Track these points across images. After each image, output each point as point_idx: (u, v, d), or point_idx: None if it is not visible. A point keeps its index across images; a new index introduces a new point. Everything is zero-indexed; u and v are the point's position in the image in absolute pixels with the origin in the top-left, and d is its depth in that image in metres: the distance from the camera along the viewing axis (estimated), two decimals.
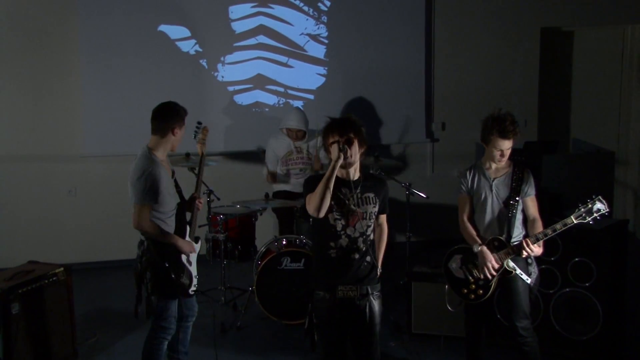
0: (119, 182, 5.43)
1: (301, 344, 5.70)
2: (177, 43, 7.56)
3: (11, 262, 5.79)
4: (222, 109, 7.73)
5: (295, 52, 7.80)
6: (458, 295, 4.75)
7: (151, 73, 7.51)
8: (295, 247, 6.05)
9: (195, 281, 4.71)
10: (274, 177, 6.75)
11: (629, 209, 8.46)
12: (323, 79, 7.91)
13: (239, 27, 7.66)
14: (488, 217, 4.61)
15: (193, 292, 4.72)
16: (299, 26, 7.78)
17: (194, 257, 4.72)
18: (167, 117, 4.47)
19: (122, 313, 6.17)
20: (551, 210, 5.26)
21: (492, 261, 4.51)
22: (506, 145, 4.48)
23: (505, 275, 4.55)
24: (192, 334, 5.70)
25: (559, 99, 8.64)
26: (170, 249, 4.51)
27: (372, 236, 4.06)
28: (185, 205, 4.71)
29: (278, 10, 7.71)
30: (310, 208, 3.89)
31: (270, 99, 7.81)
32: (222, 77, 7.69)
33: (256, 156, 7.58)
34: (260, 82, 7.77)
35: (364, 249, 4.00)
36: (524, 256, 4.49)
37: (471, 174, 4.69)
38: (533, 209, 4.59)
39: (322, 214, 3.88)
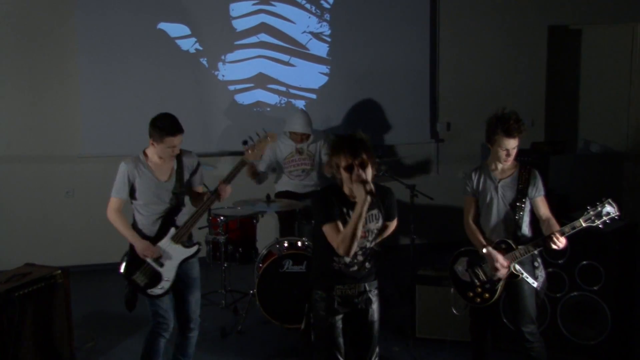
0: None
1: (303, 348, 5.70)
2: (177, 41, 7.57)
3: (8, 265, 5.77)
4: (223, 108, 7.73)
5: (298, 50, 7.80)
6: (464, 298, 4.74)
7: (151, 72, 7.51)
8: (297, 249, 6.04)
9: (163, 284, 4.68)
10: (256, 175, 6.67)
11: (639, 211, 8.44)
12: (326, 78, 7.90)
13: (240, 24, 7.66)
14: (494, 219, 4.60)
15: (157, 294, 4.69)
16: (301, 24, 7.78)
17: (171, 260, 4.71)
18: (150, 126, 4.59)
19: (120, 316, 6.15)
20: (559, 212, 5.25)
21: (500, 260, 4.50)
22: (512, 144, 4.47)
23: (512, 278, 4.54)
24: None
25: (566, 98, 8.63)
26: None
27: (372, 247, 4.08)
28: (178, 207, 4.74)
29: (280, 7, 7.71)
30: (340, 250, 3.89)
31: (271, 99, 7.81)
32: (223, 76, 7.70)
33: None
34: (261, 81, 7.77)
35: (363, 259, 4.03)
36: (559, 247, 4.41)
37: (477, 175, 4.68)
38: (544, 209, 4.57)
39: (352, 254, 3.91)
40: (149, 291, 4.69)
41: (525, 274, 4.50)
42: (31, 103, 7.48)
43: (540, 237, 4.47)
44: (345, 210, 3.93)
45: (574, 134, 8.63)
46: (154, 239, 4.67)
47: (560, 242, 4.37)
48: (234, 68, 7.70)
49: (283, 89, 7.82)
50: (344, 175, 3.85)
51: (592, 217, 4.30)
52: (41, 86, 7.47)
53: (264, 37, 7.71)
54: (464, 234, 4.76)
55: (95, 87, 7.43)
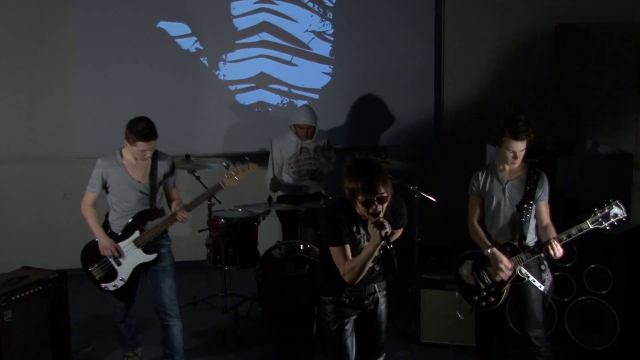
0: None
1: (305, 353, 5.71)
2: (176, 40, 7.57)
3: (4, 268, 5.78)
4: (224, 108, 7.73)
5: (300, 49, 7.81)
6: (469, 302, 4.75)
7: (150, 72, 7.52)
8: (299, 252, 6.05)
9: (117, 282, 5.03)
10: (277, 183, 6.70)
11: None
12: (328, 78, 7.90)
13: (241, 23, 7.66)
14: (500, 221, 4.60)
15: (109, 290, 5.06)
16: (304, 23, 7.78)
17: (128, 262, 4.98)
18: (126, 127, 4.87)
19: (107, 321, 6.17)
20: (566, 215, 5.25)
21: (505, 262, 4.50)
22: (519, 146, 4.46)
23: (518, 282, 4.53)
24: (192, 343, 5.72)
25: (574, 98, 8.60)
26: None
27: (381, 252, 4.07)
28: (148, 213, 4.98)
29: (282, 6, 7.71)
30: (346, 278, 3.92)
31: (273, 99, 7.81)
32: (224, 75, 7.70)
33: (259, 158, 7.57)
34: (263, 81, 7.77)
35: (372, 265, 4.02)
36: (556, 256, 4.42)
37: (483, 176, 4.68)
38: (545, 215, 4.58)
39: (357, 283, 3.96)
40: (103, 285, 5.03)
41: (531, 277, 4.50)
42: (29, 103, 7.48)
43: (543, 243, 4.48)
44: (355, 228, 3.95)
45: (581, 135, 8.59)
46: (119, 238, 4.96)
47: (558, 251, 4.37)
48: (235, 68, 7.70)
49: (285, 89, 7.82)
50: (361, 207, 3.83)
51: (600, 219, 4.31)
52: (39, 86, 7.47)
53: (266, 36, 7.71)
54: (469, 237, 4.76)
55: (94, 87, 7.43)
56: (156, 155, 4.99)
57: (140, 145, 4.79)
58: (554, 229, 4.51)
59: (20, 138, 7.52)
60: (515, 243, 4.54)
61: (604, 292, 5.16)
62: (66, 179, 7.60)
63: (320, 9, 7.78)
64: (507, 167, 4.61)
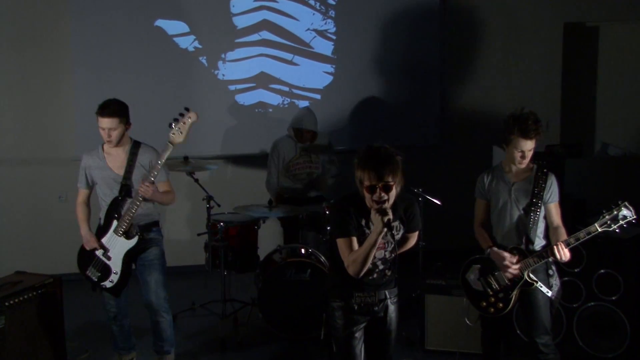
0: None
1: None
2: (175, 39, 7.57)
3: None
4: (223, 109, 7.74)
5: (301, 48, 7.81)
6: (476, 308, 4.74)
7: (147, 71, 7.52)
8: (301, 257, 6.04)
9: (112, 277, 5.08)
10: (281, 197, 6.70)
11: None
12: (330, 78, 7.91)
13: (241, 22, 7.66)
14: (506, 224, 4.60)
15: (108, 287, 5.11)
16: (305, 21, 7.79)
17: (116, 253, 5.04)
18: None
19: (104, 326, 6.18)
20: (574, 218, 5.25)
21: (508, 257, 4.49)
22: (528, 145, 4.46)
23: (527, 287, 4.53)
24: (190, 350, 5.73)
25: (583, 98, 8.61)
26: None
27: (393, 256, 4.07)
28: (119, 201, 5.03)
29: (283, 4, 7.71)
30: (349, 270, 3.91)
31: (274, 99, 7.82)
32: (223, 75, 7.70)
33: (259, 160, 7.58)
34: (263, 80, 7.77)
35: (383, 268, 4.04)
36: (562, 260, 4.42)
37: (489, 177, 4.68)
38: (556, 216, 4.57)
39: (361, 276, 3.93)
40: (102, 284, 5.09)
41: (539, 283, 4.50)
42: (23, 104, 7.49)
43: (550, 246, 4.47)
44: (363, 222, 3.94)
45: (590, 136, 8.61)
46: (102, 232, 5.06)
47: (564, 254, 4.37)
48: (235, 67, 7.71)
49: (286, 88, 7.82)
50: (365, 194, 3.83)
51: (608, 222, 4.30)
52: (32, 85, 7.47)
53: (266, 34, 7.72)
54: (474, 241, 4.75)
55: (89, 87, 7.42)
56: (137, 147, 5.07)
57: (100, 121, 4.94)
58: (565, 231, 4.50)
59: (15, 140, 7.52)
60: (523, 247, 4.53)
61: (613, 298, 5.15)
62: (61, 182, 7.59)
63: (322, 7, 7.78)
64: (514, 168, 4.61)
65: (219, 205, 6.44)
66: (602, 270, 5.19)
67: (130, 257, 5.06)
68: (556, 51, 8.24)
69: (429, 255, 6.76)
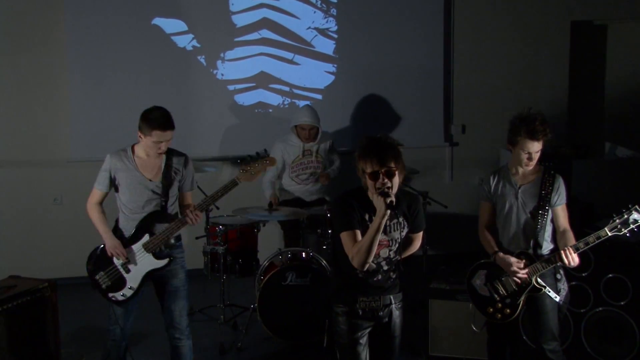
0: None
1: None
2: (172, 38, 7.58)
3: None
4: (222, 109, 7.74)
5: (302, 47, 7.82)
6: (483, 314, 4.74)
7: (144, 71, 7.53)
8: (302, 261, 6.04)
9: (126, 291, 4.82)
10: (276, 201, 6.70)
11: None
12: (332, 77, 7.91)
13: (240, 20, 7.67)
14: (513, 228, 4.60)
15: (118, 300, 4.84)
16: (306, 19, 7.80)
17: (138, 268, 4.81)
18: (141, 117, 4.73)
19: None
20: (582, 221, 5.24)
21: (515, 264, 4.49)
22: (535, 147, 4.46)
23: (535, 292, 4.53)
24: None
25: (591, 98, 8.61)
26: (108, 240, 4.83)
27: (397, 257, 4.08)
28: (160, 215, 4.82)
29: (283, 1, 7.72)
30: (354, 262, 3.90)
31: (274, 99, 7.82)
32: (222, 75, 7.71)
33: None
34: (263, 80, 7.78)
35: (387, 269, 4.04)
36: (570, 266, 4.43)
37: (495, 179, 4.68)
38: (563, 220, 4.57)
39: (366, 267, 3.92)
40: (110, 295, 4.84)
41: (547, 288, 4.50)
42: (17, 105, 7.48)
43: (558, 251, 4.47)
44: (367, 217, 3.94)
45: (599, 137, 8.61)
46: (127, 241, 4.80)
47: (572, 260, 4.37)
48: (234, 66, 7.71)
49: (286, 88, 7.82)
50: (369, 182, 3.85)
51: (619, 226, 4.30)
52: (27, 86, 7.46)
53: (266, 33, 7.72)
54: (480, 245, 4.75)
55: (85, 87, 7.43)
56: (171, 153, 4.86)
57: (156, 134, 4.62)
58: (572, 235, 4.50)
59: (9, 141, 7.52)
60: (530, 252, 4.53)
61: (622, 303, 5.14)
62: (57, 184, 7.60)
63: (324, 5, 7.79)
64: (521, 170, 4.61)
65: (217, 208, 6.44)
66: (610, 275, 5.19)
67: (150, 275, 4.84)
68: (563, 50, 8.24)
69: (433, 258, 6.76)
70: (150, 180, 4.77)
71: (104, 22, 7.39)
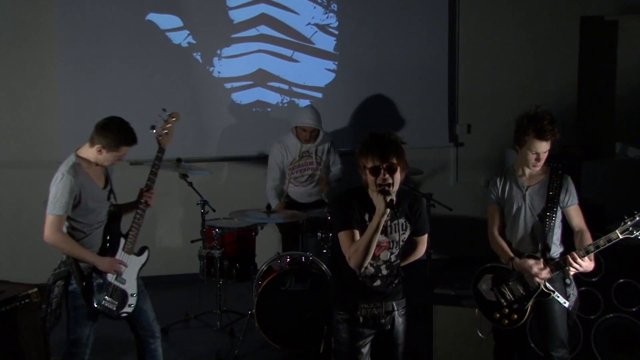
0: None
1: None
2: (167, 34, 7.57)
3: None
4: (219, 108, 7.74)
5: (301, 44, 7.81)
6: (490, 320, 4.73)
7: (138, 68, 7.52)
8: (301, 265, 6.03)
9: (131, 300, 4.75)
10: (282, 207, 6.70)
11: None
12: (332, 75, 7.91)
13: (237, 16, 7.67)
14: (521, 231, 4.59)
15: (125, 314, 4.76)
16: (306, 15, 7.79)
17: (130, 273, 4.77)
18: (104, 130, 4.61)
19: (102, 340, 6.10)
20: (592, 225, 5.22)
21: (534, 266, 4.47)
22: (543, 147, 4.45)
23: (543, 297, 4.51)
24: None
25: (601, 97, 8.60)
26: (90, 267, 4.62)
27: (398, 260, 4.07)
28: (120, 214, 4.78)
29: None
30: (351, 262, 3.88)
31: (272, 98, 7.82)
32: (219, 72, 7.70)
33: (257, 162, 7.58)
34: (261, 78, 7.77)
35: (388, 273, 4.02)
36: (572, 273, 4.44)
37: (502, 182, 4.67)
38: (578, 220, 4.56)
39: (363, 269, 3.90)
40: (121, 312, 4.73)
41: (556, 293, 4.48)
42: (5, 104, 7.48)
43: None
44: (367, 217, 3.93)
45: (609, 136, 8.60)
46: (107, 254, 4.69)
47: (579, 264, 4.36)
48: (231, 64, 7.71)
49: (285, 87, 7.82)
50: (369, 178, 3.84)
51: (630, 228, 4.28)
52: (15, 84, 7.46)
53: (265, 29, 7.72)
54: (486, 249, 4.74)
55: (76, 85, 7.42)
56: None
57: (124, 150, 4.60)
58: (589, 235, 4.49)
59: None
60: (539, 255, 4.52)
61: (634, 309, 5.13)
62: (45, 185, 7.53)
63: (324, 0, 7.79)
64: (528, 172, 4.60)
65: (214, 210, 6.43)
66: (621, 280, 5.17)
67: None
68: (572, 47, 8.24)
69: (437, 263, 6.75)
70: (103, 188, 4.72)
71: (96, 18, 7.38)
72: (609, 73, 8.60)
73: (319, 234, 6.33)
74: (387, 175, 3.79)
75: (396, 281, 4.07)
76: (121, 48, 7.48)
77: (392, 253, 3.99)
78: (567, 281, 4.56)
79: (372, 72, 7.92)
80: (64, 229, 4.59)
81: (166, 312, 6.27)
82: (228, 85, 7.73)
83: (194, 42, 7.62)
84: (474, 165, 8.19)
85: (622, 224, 4.30)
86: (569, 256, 4.38)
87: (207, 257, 6.38)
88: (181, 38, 7.60)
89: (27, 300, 5.09)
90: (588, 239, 4.46)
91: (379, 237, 3.86)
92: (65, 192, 4.53)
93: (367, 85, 7.93)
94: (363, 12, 7.86)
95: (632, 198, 6.42)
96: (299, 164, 6.73)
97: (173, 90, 7.57)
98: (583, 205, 4.77)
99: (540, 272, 4.48)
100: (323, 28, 7.84)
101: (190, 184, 6.41)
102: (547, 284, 4.49)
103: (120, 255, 4.73)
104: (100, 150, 4.59)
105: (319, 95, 7.88)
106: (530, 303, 4.54)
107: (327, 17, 7.83)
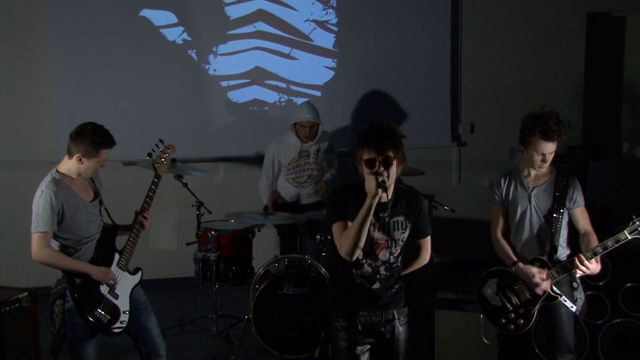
0: None
1: None
2: (161, 31, 7.58)
3: None
4: (215, 107, 7.74)
5: (300, 41, 7.81)
6: (495, 325, 4.73)
7: (131, 66, 7.52)
8: (299, 268, 6.03)
9: (123, 317, 4.69)
10: (275, 202, 6.70)
11: None
12: (331, 73, 7.91)
13: (234, 12, 7.67)
14: (526, 233, 4.59)
15: (118, 330, 4.69)
16: (304, 11, 7.80)
17: (123, 290, 4.73)
18: (79, 138, 4.55)
19: (102, 343, 6.15)
20: (599, 227, 5.22)
21: (537, 274, 4.47)
22: (549, 148, 4.46)
23: (550, 301, 4.51)
24: None
25: (608, 95, 8.61)
26: (83, 279, 4.57)
27: (398, 264, 4.05)
28: (115, 230, 4.76)
29: None
30: (342, 250, 3.85)
31: (270, 96, 7.82)
32: (215, 70, 7.70)
33: (254, 162, 7.58)
34: (258, 76, 7.78)
35: (387, 275, 3.99)
36: (578, 275, 4.45)
37: (506, 182, 4.67)
38: (584, 221, 4.57)
39: (354, 258, 3.86)
40: (113, 328, 4.66)
41: (563, 297, 4.48)
42: None
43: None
44: None
45: (616, 136, 8.61)
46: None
47: (586, 266, 4.36)
48: (227, 61, 7.71)
49: (283, 85, 7.82)
50: (365, 169, 3.83)
51: (639, 228, 4.28)
52: (6, 82, 7.46)
53: (262, 26, 7.72)
54: (490, 252, 4.74)
55: (68, 83, 7.42)
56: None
57: (104, 153, 4.55)
58: (595, 237, 4.49)
59: None
60: (545, 258, 4.52)
61: None
62: (37, 186, 7.56)
63: None
64: (533, 172, 4.60)
65: (209, 212, 6.43)
66: (629, 284, 5.18)
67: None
68: (579, 44, 8.24)
69: (439, 266, 6.75)
70: (90, 201, 4.67)
71: (88, 14, 7.39)
72: (616, 71, 8.62)
73: (318, 237, 6.33)
74: (382, 169, 3.78)
75: (397, 286, 4.05)
76: (114, 45, 7.48)
77: (391, 253, 3.96)
78: (575, 285, 4.57)
79: (373, 70, 7.93)
80: (56, 247, 4.56)
81: (160, 317, 6.24)
82: (224, 84, 7.74)
83: (189, 39, 7.62)
84: (477, 165, 8.19)
85: (631, 224, 4.30)
86: (575, 258, 4.39)
87: (202, 260, 6.38)
88: (176, 35, 7.60)
89: (17, 305, 5.11)
90: (594, 241, 4.47)
91: (377, 234, 3.87)
92: (47, 208, 4.50)
93: (366, 83, 7.94)
94: (363, 8, 7.86)
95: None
96: (297, 163, 6.72)
97: (167, 89, 7.57)
98: (589, 206, 4.78)
99: (542, 282, 4.48)
100: (322, 24, 7.84)
101: (186, 185, 6.40)
102: (554, 288, 4.49)
103: (114, 269, 4.69)
104: (80, 159, 4.55)
105: (318, 93, 7.88)
106: (537, 307, 4.54)
107: (326, 14, 7.83)
